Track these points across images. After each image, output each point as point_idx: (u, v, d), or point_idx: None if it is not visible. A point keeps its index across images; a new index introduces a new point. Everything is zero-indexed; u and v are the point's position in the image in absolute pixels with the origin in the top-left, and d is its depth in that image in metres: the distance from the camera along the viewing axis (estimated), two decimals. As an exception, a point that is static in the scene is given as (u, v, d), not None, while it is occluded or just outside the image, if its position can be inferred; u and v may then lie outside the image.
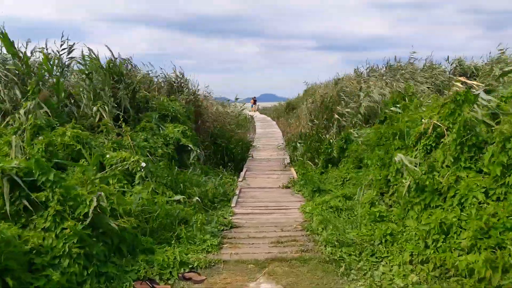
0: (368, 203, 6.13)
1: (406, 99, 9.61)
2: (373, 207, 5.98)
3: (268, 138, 19.28)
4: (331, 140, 9.67)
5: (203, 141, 12.09)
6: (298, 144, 12.77)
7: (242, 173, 10.38)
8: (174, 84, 12.45)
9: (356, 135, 9.22)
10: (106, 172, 6.01)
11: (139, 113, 9.25)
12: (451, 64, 15.20)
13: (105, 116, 8.10)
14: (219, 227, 5.88)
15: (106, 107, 8.24)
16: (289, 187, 8.63)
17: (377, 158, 6.87)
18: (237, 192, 8.17)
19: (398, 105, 9.39)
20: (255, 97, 41.97)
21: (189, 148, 8.63)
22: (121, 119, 8.09)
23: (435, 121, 5.74)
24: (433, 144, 5.70)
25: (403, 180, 5.44)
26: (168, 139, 8.48)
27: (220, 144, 13.04)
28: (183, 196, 6.28)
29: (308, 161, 11.70)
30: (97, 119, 8.12)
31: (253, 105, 39.95)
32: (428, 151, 5.74)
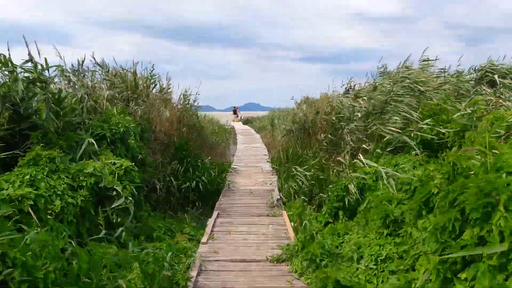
0: None
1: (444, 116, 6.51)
2: None
3: (251, 156, 15.89)
4: (349, 185, 6.32)
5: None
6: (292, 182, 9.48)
7: (209, 224, 6.91)
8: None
9: (384, 171, 5.91)
10: None
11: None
12: (478, 72, 12.14)
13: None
14: None
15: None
16: (283, 261, 5.22)
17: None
18: (192, 275, 4.68)
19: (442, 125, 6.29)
20: (236, 107, 38.63)
21: (120, 193, 5.16)
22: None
23: None
24: None
25: None
26: (81, 178, 5.03)
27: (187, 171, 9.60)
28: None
29: (303, 197, 8.40)
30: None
31: (235, 115, 36.66)
32: None
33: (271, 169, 12.70)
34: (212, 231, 6.57)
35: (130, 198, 5.11)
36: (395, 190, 5.36)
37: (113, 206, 4.98)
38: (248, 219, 7.36)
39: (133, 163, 6.07)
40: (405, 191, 5.35)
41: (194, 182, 9.10)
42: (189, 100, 13.30)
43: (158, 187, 8.46)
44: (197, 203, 9.13)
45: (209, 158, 13.22)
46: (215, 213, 7.66)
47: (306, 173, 8.88)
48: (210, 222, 7.02)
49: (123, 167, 5.61)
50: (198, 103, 15.17)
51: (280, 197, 9.08)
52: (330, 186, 7.35)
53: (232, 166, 13.13)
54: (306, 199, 8.70)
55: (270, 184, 10.47)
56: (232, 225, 6.95)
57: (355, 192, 6.09)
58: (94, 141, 5.74)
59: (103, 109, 6.80)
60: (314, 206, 8.43)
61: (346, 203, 6.45)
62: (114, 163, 5.62)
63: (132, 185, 5.58)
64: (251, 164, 13.95)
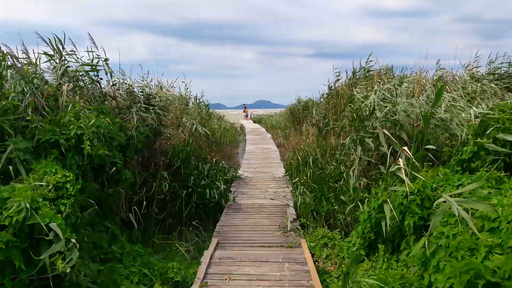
0: None
1: None
2: None
3: (261, 159, 14.11)
4: (384, 205, 4.47)
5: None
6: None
7: (204, 261, 5.11)
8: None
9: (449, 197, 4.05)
10: None
11: None
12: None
13: None
14: None
15: None
16: None
17: None
18: None
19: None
20: (244, 105, 36.82)
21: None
22: None
23: None
24: None
25: None
26: (3, 213, 3.33)
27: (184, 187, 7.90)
28: None
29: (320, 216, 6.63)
30: None
31: (244, 113, 34.90)
32: None
33: (285, 176, 10.91)
34: (206, 273, 4.79)
35: (73, 241, 3.36)
36: (476, 231, 3.52)
37: (41, 256, 3.25)
38: (255, 252, 5.57)
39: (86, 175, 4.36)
40: (490, 231, 3.53)
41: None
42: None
43: (144, 203, 6.77)
44: (195, 221, 7.43)
45: (216, 159, 11.54)
46: (213, 242, 5.89)
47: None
48: (206, 257, 5.25)
49: (52, 186, 3.82)
50: (207, 100, 13.75)
51: (297, 215, 7.30)
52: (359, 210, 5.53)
53: (239, 172, 11.39)
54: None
55: (284, 196, 8.68)
56: (234, 262, 5.17)
57: (395, 216, 4.28)
58: (31, 149, 4.03)
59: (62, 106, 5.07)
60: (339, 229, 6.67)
61: (383, 231, 4.63)
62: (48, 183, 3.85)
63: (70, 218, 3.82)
64: (261, 169, 12.16)
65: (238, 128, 25.65)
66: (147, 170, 7.70)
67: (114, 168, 5.40)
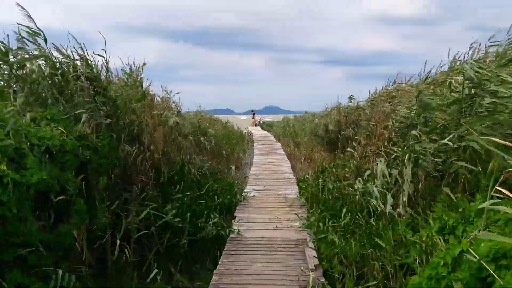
0: None
1: None
2: None
3: (270, 173, 12.44)
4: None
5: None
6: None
7: None
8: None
9: None
10: None
11: None
12: None
13: None
14: None
15: None
16: None
17: None
18: None
19: None
20: (253, 111, 35.11)
21: None
22: None
23: None
24: None
25: None
26: None
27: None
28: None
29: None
30: None
31: (253, 119, 33.22)
32: None
33: (299, 195, 9.21)
34: None
35: None
36: None
37: None
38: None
39: None
40: None
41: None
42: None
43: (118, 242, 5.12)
44: (185, 262, 5.79)
45: (219, 170, 9.94)
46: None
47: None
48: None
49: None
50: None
51: (318, 258, 5.60)
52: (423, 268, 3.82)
53: (245, 190, 9.73)
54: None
55: (300, 226, 7.00)
56: None
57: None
58: None
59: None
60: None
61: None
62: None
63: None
64: (271, 186, 10.47)
65: (246, 134, 24.05)
66: (129, 192, 6.09)
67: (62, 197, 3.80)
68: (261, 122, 34.80)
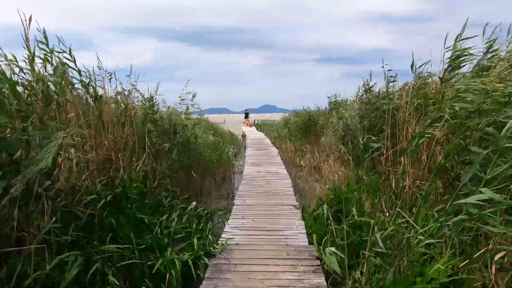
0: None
1: None
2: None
3: (265, 195, 8.89)
4: None
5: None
6: None
7: None
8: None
9: None
10: None
11: None
12: None
13: None
14: None
15: None
16: None
17: None
18: None
19: None
20: (246, 110, 31.35)
21: None
22: None
23: None
24: None
25: None
26: None
27: None
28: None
29: None
30: None
31: (246, 118, 29.61)
32: None
33: (309, 239, 5.72)
34: None
35: None
36: None
37: None
38: None
39: None
40: None
41: None
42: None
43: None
44: None
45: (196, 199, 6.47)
46: None
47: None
48: None
49: None
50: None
51: None
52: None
53: (223, 233, 6.20)
54: None
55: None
56: None
57: None
58: None
59: None
60: None
61: None
62: None
63: None
64: (265, 220, 6.90)
65: (241, 139, 20.78)
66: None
67: None
68: (256, 122, 31.23)
